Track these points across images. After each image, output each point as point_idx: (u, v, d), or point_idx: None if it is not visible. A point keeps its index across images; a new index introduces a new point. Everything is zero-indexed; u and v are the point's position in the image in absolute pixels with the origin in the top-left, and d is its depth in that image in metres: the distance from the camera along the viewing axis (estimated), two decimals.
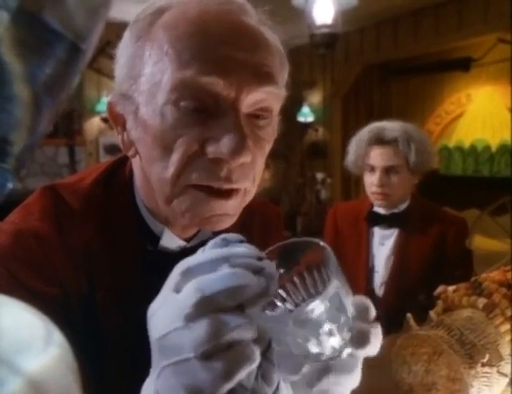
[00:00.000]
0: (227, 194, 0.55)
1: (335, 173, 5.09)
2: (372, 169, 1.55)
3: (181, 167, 0.54)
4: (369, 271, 1.61)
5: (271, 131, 0.59)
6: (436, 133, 5.44)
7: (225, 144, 0.52)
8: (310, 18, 2.89)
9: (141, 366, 0.66)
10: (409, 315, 0.85)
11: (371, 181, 1.56)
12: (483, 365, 0.72)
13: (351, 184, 5.03)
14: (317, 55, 3.24)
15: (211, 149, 0.53)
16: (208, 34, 0.53)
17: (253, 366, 0.36)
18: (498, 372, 0.73)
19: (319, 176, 5.30)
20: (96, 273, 0.61)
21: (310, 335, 0.37)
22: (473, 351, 0.72)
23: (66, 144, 4.59)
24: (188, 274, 0.38)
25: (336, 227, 1.72)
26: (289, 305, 0.41)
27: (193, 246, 0.66)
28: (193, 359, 0.35)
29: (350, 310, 0.38)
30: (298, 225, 5.09)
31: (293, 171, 5.56)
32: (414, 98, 5.52)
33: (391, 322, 1.14)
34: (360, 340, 0.38)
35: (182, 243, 0.66)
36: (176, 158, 0.54)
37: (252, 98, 0.54)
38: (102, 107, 4.64)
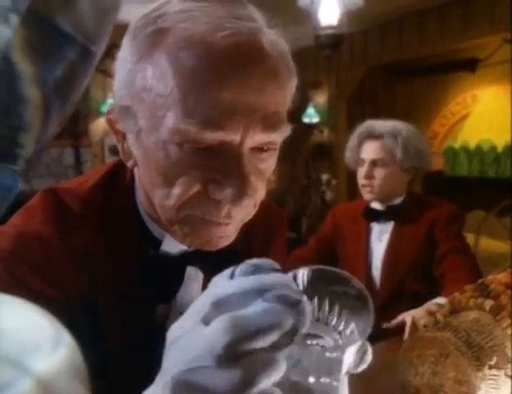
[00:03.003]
0: (225, 224, 0.57)
1: (340, 174, 5.07)
2: (363, 162, 1.64)
3: (183, 202, 0.55)
4: (369, 267, 1.64)
5: (273, 162, 0.59)
6: (441, 134, 5.42)
7: (227, 190, 0.52)
8: (315, 19, 2.89)
9: (144, 368, 0.66)
10: (415, 317, 0.85)
11: (359, 174, 1.66)
12: (490, 368, 0.71)
13: (356, 185, 5.02)
14: (322, 56, 3.23)
15: (213, 192, 0.54)
16: (212, 75, 0.50)
17: None
18: (505, 374, 0.72)
19: (324, 177, 5.29)
20: (98, 276, 0.61)
21: (334, 370, 0.36)
22: (480, 353, 0.72)
23: (71, 145, 4.60)
24: (219, 306, 0.35)
25: (335, 227, 1.78)
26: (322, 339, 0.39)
27: (193, 250, 0.66)
28: None
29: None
30: (303, 226, 5.08)
31: (298, 173, 5.55)
32: (420, 99, 5.49)
33: (389, 317, 1.15)
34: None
35: (183, 247, 0.66)
36: (177, 192, 0.54)
37: (256, 140, 0.54)
38: (107, 108, 4.65)
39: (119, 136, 0.61)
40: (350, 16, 2.98)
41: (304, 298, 0.34)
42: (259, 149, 0.56)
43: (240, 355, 0.32)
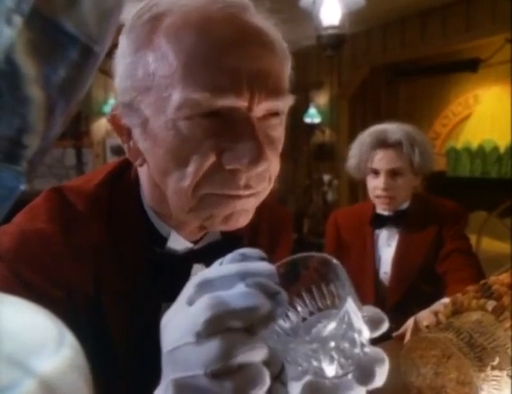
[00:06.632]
0: (246, 196, 0.57)
1: (341, 175, 5.07)
2: (376, 173, 1.56)
3: (199, 179, 0.54)
4: (377, 273, 1.61)
5: (282, 130, 0.59)
6: (443, 134, 5.41)
7: (242, 155, 0.52)
8: (317, 19, 2.89)
9: (149, 367, 0.66)
10: (418, 318, 0.84)
11: (375, 185, 1.57)
12: (493, 368, 0.71)
13: (358, 186, 5.02)
14: (324, 56, 3.24)
15: (228, 161, 0.53)
16: (214, 44, 0.51)
17: (263, 389, 0.35)
18: (508, 375, 0.72)
19: (326, 177, 5.28)
20: (102, 275, 0.61)
21: (320, 352, 0.35)
22: (482, 354, 0.72)
23: (73, 145, 4.61)
24: (203, 287, 0.37)
25: (338, 234, 1.73)
26: (298, 319, 0.40)
27: (200, 248, 0.66)
28: (201, 376, 0.34)
29: (360, 328, 0.37)
30: (304, 226, 5.08)
31: (299, 173, 5.55)
32: (422, 99, 5.49)
33: (398, 320, 1.14)
34: (364, 377, 0.37)
35: (189, 245, 0.66)
36: (192, 169, 0.54)
37: (263, 107, 0.55)
38: (109, 108, 4.65)
39: (124, 135, 0.60)
40: (352, 16, 2.98)
41: (282, 290, 0.36)
42: (267, 116, 0.56)
43: (218, 332, 0.34)
